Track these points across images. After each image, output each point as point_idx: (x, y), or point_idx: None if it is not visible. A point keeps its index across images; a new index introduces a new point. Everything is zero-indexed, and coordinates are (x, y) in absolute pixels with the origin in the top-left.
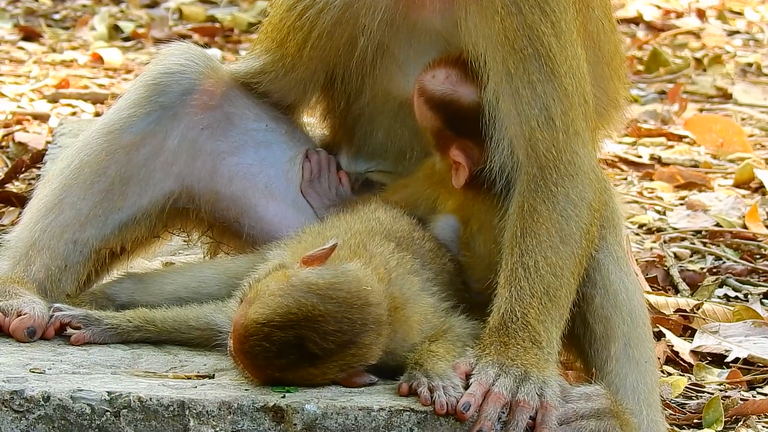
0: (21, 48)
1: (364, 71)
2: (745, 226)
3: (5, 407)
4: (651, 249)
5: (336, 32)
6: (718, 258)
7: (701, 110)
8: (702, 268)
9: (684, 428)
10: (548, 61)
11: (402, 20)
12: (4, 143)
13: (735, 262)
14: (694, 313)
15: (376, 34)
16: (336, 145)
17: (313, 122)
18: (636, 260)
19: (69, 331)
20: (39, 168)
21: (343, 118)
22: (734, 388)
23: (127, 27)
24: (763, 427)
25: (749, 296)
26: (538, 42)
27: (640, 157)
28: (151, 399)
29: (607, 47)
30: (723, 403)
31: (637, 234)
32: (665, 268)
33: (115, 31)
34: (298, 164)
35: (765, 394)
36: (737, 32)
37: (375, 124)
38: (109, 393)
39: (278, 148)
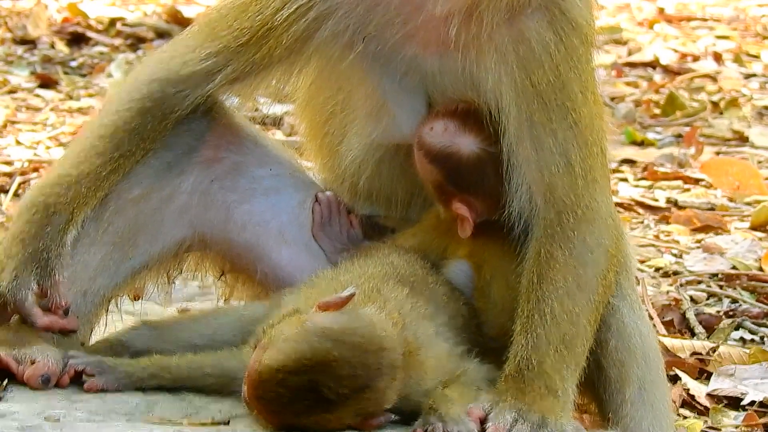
0: (38, 95)
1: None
2: (761, 269)
3: None
4: (667, 292)
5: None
6: (734, 301)
7: (718, 153)
8: (718, 311)
9: None
10: (573, 112)
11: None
12: (20, 191)
13: (751, 304)
14: (710, 356)
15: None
16: (343, 189)
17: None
18: (652, 303)
19: (84, 378)
20: None
21: (341, 161)
22: (750, 431)
23: None
24: None
25: (765, 339)
26: (565, 95)
27: (656, 200)
28: None
29: None
30: None
31: (654, 277)
32: (681, 312)
33: None
34: (308, 208)
35: None
36: (754, 75)
37: (369, 169)
38: None
39: (287, 192)
